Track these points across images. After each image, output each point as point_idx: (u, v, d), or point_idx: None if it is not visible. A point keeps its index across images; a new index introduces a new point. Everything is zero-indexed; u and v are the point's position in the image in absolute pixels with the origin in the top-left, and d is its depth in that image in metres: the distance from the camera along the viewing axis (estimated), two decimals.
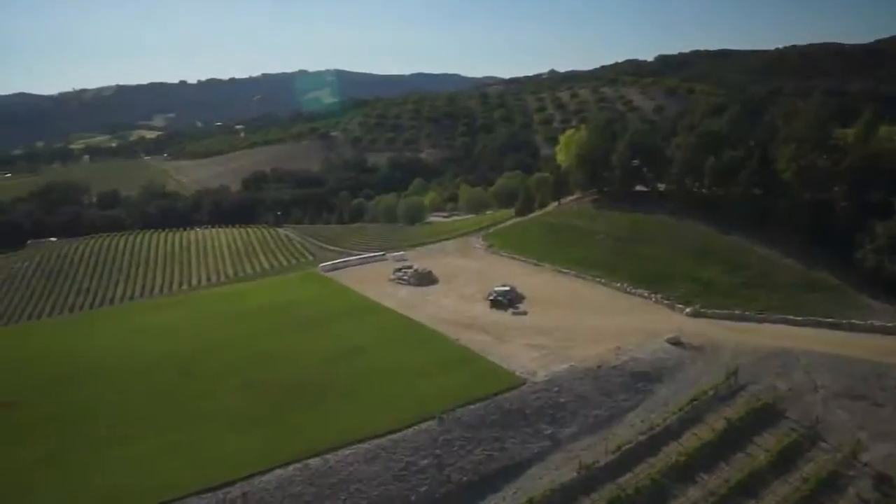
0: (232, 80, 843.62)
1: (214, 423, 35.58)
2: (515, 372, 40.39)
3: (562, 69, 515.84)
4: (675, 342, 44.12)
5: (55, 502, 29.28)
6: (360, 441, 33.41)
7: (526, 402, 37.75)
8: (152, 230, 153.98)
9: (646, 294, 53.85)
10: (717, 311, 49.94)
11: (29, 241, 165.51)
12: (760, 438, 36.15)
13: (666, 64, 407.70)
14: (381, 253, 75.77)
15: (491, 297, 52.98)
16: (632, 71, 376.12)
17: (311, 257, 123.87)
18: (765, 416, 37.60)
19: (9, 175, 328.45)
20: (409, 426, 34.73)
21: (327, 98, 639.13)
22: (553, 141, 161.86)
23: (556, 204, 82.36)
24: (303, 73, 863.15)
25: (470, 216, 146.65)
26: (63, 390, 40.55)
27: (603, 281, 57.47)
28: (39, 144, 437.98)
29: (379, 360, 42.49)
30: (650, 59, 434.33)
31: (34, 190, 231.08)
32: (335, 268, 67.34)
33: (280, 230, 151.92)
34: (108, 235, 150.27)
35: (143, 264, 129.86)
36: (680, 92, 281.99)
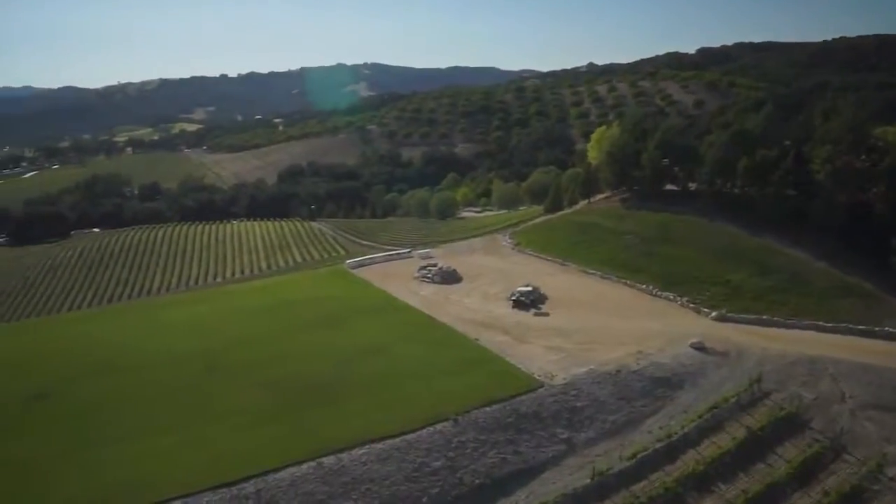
0: (271, 74, 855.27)
1: (233, 418, 36.15)
2: (534, 374, 40.13)
3: (600, 62, 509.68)
4: (699, 347, 43.31)
5: (76, 494, 30.14)
6: (374, 441, 33.62)
7: (543, 406, 37.52)
8: (190, 223, 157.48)
9: (672, 297, 52.91)
10: (745, 315, 48.81)
11: (73, 232, 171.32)
12: (782, 449, 35.31)
13: (708, 57, 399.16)
14: (408, 250, 76.00)
15: (513, 298, 52.72)
16: (672, 64, 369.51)
17: (342, 251, 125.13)
18: (787, 425, 36.70)
19: (57, 166, 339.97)
20: (423, 427, 34.82)
21: (364, 91, 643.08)
22: (589, 136, 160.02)
23: (585, 202, 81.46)
24: (341, 66, 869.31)
25: (502, 212, 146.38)
26: (92, 383, 41.61)
27: (629, 282, 56.67)
28: (86, 137, 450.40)
29: (397, 360, 42.66)
30: (692, 51, 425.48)
31: (80, 181, 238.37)
32: (361, 264, 67.79)
33: (314, 224, 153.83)
34: (147, 227, 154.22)
35: (180, 256, 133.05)
36: (721, 86, 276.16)
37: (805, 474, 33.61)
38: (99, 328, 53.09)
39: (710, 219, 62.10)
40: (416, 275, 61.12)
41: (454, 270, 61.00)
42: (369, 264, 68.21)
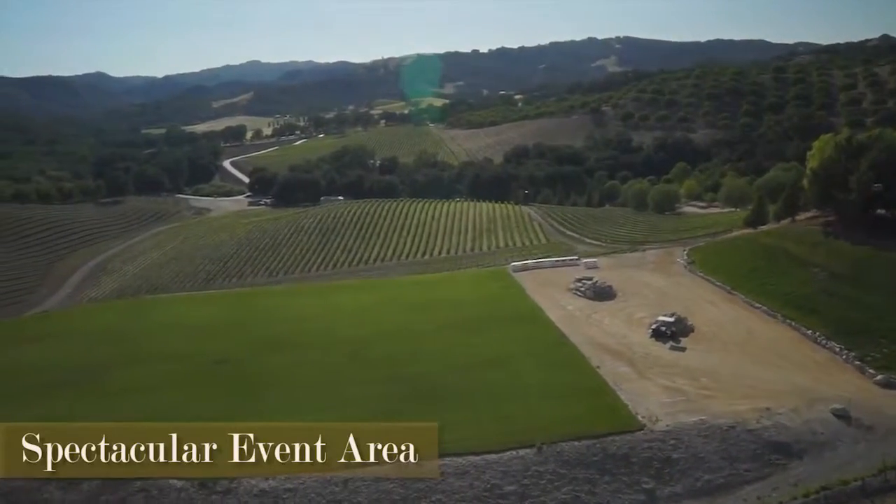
0: (521, 49, 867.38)
1: (352, 409, 40.70)
2: (637, 415, 39.45)
3: None
4: (841, 415, 38.81)
5: None
6: (457, 454, 36.29)
7: (634, 450, 37.05)
8: (412, 200, 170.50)
9: (838, 349, 47.03)
10: None
11: (322, 198, 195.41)
12: None
13: None
14: (576, 257, 76.06)
15: (653, 326, 51.09)
16: None
17: (544, 240, 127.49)
18: None
19: (321, 136, 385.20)
20: (507, 449, 36.63)
21: (612, 66, 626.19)
22: (858, 127, 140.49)
23: (788, 220, 74.09)
24: (591, 40, 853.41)
25: (726, 210, 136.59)
26: (262, 356, 49.56)
27: (794, 324, 51.31)
28: (349, 108, 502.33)
29: (512, 376, 44.50)
30: None
31: (333, 151, 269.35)
32: (526, 268, 69.78)
33: (525, 208, 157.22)
34: (378, 201, 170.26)
35: (398, 231, 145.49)
36: None
37: None
38: (282, 305, 62.54)
39: None
40: (571, 286, 61.60)
41: (609, 286, 60.34)
42: (534, 268, 69.91)
